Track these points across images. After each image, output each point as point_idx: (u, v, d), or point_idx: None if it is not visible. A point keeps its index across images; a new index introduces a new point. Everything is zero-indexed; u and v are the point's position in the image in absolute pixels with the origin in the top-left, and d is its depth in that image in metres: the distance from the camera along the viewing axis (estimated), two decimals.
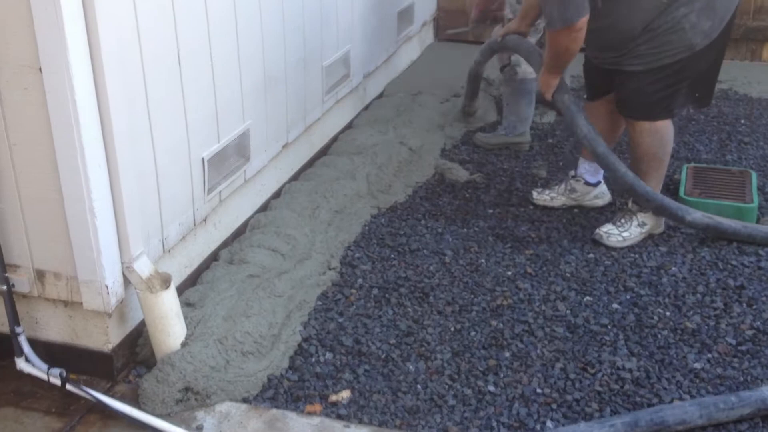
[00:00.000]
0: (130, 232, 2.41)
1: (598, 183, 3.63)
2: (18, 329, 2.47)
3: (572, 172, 3.64)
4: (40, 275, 2.44)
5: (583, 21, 2.90)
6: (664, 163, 3.28)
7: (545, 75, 3.22)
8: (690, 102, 3.20)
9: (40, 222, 2.35)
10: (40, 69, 2.14)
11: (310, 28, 3.75)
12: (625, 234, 3.27)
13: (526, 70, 4.16)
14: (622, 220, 3.32)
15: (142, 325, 2.63)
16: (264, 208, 3.47)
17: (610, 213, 3.59)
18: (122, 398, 2.45)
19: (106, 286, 2.37)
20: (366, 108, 4.75)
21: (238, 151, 3.16)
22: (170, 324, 2.49)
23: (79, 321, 2.51)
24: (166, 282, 2.48)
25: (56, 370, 2.45)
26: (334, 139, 4.27)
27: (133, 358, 2.63)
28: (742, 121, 4.68)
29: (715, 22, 3.01)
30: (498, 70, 4.36)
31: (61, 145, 2.19)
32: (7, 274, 2.41)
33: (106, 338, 2.51)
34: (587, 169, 3.60)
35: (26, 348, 2.49)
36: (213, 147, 2.96)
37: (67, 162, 2.21)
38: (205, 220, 2.99)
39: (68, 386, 2.44)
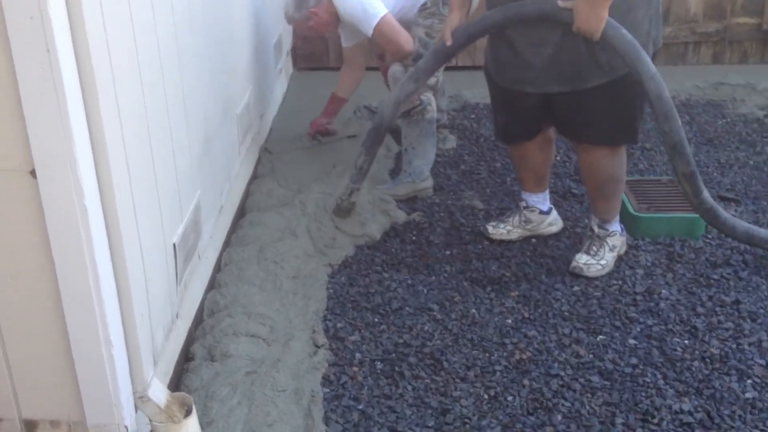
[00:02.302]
0: (143, 354, 1.96)
1: (550, 210, 3.53)
2: None
3: (523, 203, 3.50)
4: (31, 426, 1.93)
5: None
6: (623, 183, 3.23)
7: (593, 7, 2.63)
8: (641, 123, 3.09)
9: (30, 363, 1.86)
10: (32, 172, 1.66)
11: (228, 76, 3.36)
12: (602, 262, 3.19)
13: (434, 107, 3.95)
14: (594, 248, 3.22)
15: None
16: (212, 285, 3.04)
17: (566, 238, 3.51)
18: None
19: (126, 427, 1.91)
20: (266, 152, 4.36)
21: (194, 227, 2.73)
22: None
23: None
24: (185, 405, 2.05)
25: None
26: (247, 193, 3.87)
27: None
28: None
29: (659, 32, 2.95)
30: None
31: (66, 266, 1.72)
32: None
33: None
34: (537, 200, 3.49)
35: None
36: (179, 228, 2.52)
37: (74, 286, 1.74)
38: (177, 315, 2.55)
39: None
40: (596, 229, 3.25)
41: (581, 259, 3.20)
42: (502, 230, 3.50)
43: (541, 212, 3.49)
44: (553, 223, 3.54)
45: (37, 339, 1.82)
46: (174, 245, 2.45)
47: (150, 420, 2.02)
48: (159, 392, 2.02)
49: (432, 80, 3.87)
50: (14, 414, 1.90)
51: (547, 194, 3.53)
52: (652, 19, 2.86)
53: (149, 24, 2.20)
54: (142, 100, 2.13)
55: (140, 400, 1.97)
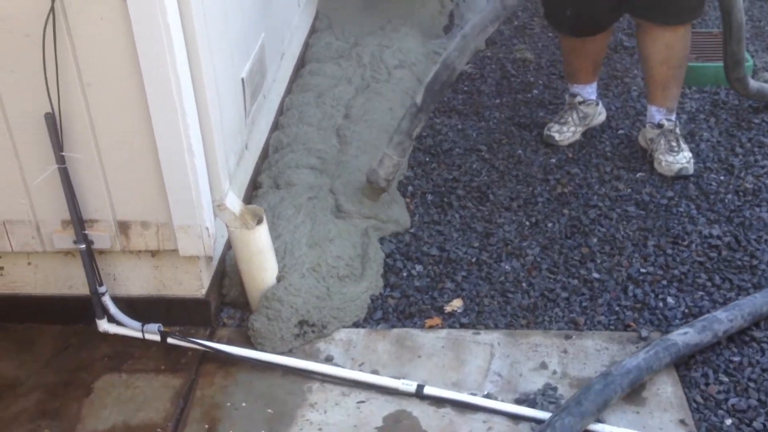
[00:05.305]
0: (221, 168, 2.21)
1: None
2: (102, 289, 2.25)
3: (578, 98, 3.24)
4: (124, 227, 2.20)
5: None
6: None
7: None
8: None
9: (122, 169, 2.11)
10: None
11: None
12: (687, 154, 3.00)
13: None
14: (674, 143, 3.00)
15: (223, 264, 2.48)
16: (275, 126, 3.27)
17: (616, 88, 3.62)
18: (230, 342, 2.31)
19: (207, 229, 2.18)
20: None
21: (259, 66, 2.93)
22: (267, 259, 2.34)
23: (168, 270, 2.31)
24: (256, 216, 2.31)
25: (152, 326, 2.28)
26: (306, 45, 4.04)
27: (221, 300, 2.46)
28: None
29: None
30: None
31: (153, 80, 1.94)
32: (86, 232, 2.17)
33: (199, 284, 2.33)
34: (591, 91, 3.28)
35: (112, 308, 2.27)
36: (246, 65, 2.73)
37: (161, 99, 1.96)
38: (246, 146, 2.79)
39: (170, 340, 2.27)
40: (666, 124, 3.04)
41: (681, 160, 2.97)
42: (567, 134, 3.23)
43: (597, 104, 3.30)
44: (602, 111, 3.39)
45: (128, 147, 2.06)
46: (242, 80, 2.66)
47: (227, 225, 2.29)
48: (234, 203, 2.28)
49: None
50: (110, 215, 2.18)
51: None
52: None
53: None
54: None
55: (218, 207, 2.23)
